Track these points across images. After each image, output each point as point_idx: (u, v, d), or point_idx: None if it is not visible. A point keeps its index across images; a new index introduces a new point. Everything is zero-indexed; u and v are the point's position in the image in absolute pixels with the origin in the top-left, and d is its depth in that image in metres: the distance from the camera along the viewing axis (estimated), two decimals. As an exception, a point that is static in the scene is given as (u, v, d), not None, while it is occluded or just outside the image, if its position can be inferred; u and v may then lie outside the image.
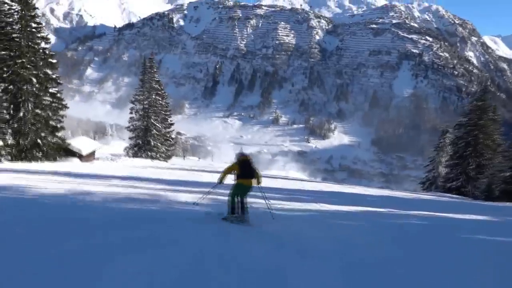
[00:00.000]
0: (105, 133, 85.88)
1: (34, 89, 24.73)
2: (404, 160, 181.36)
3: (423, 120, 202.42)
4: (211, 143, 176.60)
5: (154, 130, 41.53)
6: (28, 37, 25.11)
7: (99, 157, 36.30)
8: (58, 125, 27.37)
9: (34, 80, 24.59)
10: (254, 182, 7.77)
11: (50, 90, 26.57)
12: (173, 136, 48.43)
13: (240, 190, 7.68)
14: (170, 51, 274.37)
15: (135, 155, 41.22)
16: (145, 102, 41.80)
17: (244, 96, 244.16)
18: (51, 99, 26.45)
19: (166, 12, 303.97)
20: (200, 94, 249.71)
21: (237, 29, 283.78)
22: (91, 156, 33.28)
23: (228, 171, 7.83)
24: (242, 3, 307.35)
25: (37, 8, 26.62)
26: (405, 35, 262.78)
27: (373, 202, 15.79)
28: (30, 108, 24.51)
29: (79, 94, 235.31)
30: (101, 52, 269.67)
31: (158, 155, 41.82)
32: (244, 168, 7.66)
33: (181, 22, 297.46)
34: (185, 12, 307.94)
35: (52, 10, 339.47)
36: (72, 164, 25.76)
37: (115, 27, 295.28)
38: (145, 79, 41.88)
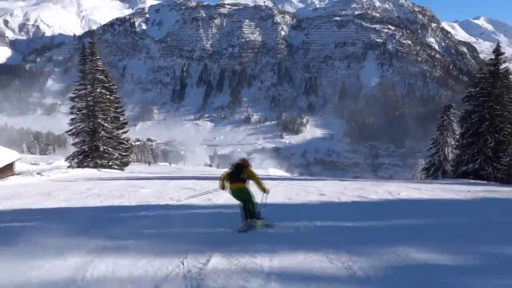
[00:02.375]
0: (65, 145, 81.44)
1: None
2: (377, 148, 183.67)
3: (392, 107, 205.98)
4: (183, 147, 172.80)
5: (103, 132, 33.72)
6: None
7: (21, 171, 28.57)
8: None
9: None
10: (238, 185, 7.20)
11: None
12: (129, 138, 38.95)
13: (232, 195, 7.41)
14: (134, 56, 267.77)
15: (80, 164, 33.46)
16: (88, 98, 33.55)
17: (213, 97, 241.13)
18: None
19: (127, 17, 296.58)
20: (168, 98, 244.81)
21: (201, 30, 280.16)
22: (6, 171, 26.56)
23: (223, 177, 7.51)
24: (205, 3, 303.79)
25: None
26: (368, 25, 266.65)
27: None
28: None
29: (41, 108, 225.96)
30: (61, 62, 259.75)
31: (111, 163, 34.40)
32: (231, 172, 7.37)
33: (144, 26, 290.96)
34: (147, 15, 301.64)
35: (6, 22, 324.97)
36: None
37: (74, 35, 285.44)
38: (86, 69, 33.94)
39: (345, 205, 11.03)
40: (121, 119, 37.12)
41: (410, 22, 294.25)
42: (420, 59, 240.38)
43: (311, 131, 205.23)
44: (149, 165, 57.83)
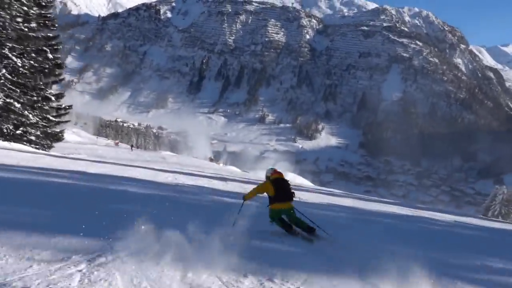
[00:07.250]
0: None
1: None
2: (392, 164, 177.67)
3: (411, 124, 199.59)
4: (194, 139, 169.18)
5: (4, 70, 18.51)
6: None
7: None
8: None
9: None
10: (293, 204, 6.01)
11: None
12: (63, 93, 23.28)
13: (281, 214, 5.88)
14: (156, 43, 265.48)
15: None
16: None
17: (230, 92, 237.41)
18: None
19: (153, 3, 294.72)
20: (185, 88, 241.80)
21: (226, 24, 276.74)
22: None
23: (259, 191, 6.04)
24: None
25: None
26: (396, 38, 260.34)
27: None
28: None
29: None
30: (82, 41, 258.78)
31: (27, 135, 19.52)
32: (280, 189, 5.85)
33: (169, 14, 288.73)
34: (173, 4, 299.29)
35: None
36: None
37: (99, 16, 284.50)
38: None
39: None
40: (51, 56, 20.37)
41: (439, 40, 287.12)
42: (445, 78, 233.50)
43: (325, 138, 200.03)
44: (132, 149, 49.72)
